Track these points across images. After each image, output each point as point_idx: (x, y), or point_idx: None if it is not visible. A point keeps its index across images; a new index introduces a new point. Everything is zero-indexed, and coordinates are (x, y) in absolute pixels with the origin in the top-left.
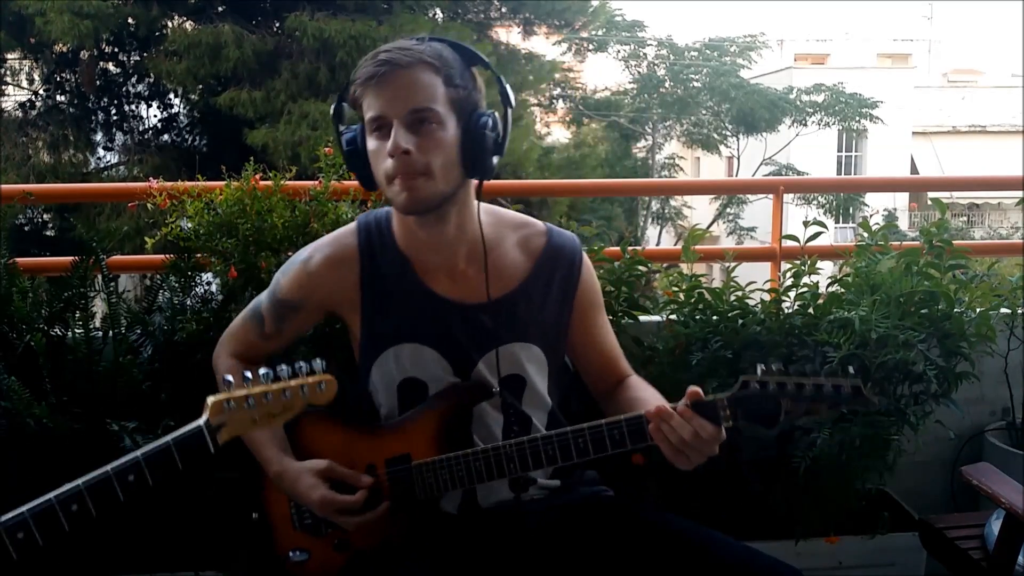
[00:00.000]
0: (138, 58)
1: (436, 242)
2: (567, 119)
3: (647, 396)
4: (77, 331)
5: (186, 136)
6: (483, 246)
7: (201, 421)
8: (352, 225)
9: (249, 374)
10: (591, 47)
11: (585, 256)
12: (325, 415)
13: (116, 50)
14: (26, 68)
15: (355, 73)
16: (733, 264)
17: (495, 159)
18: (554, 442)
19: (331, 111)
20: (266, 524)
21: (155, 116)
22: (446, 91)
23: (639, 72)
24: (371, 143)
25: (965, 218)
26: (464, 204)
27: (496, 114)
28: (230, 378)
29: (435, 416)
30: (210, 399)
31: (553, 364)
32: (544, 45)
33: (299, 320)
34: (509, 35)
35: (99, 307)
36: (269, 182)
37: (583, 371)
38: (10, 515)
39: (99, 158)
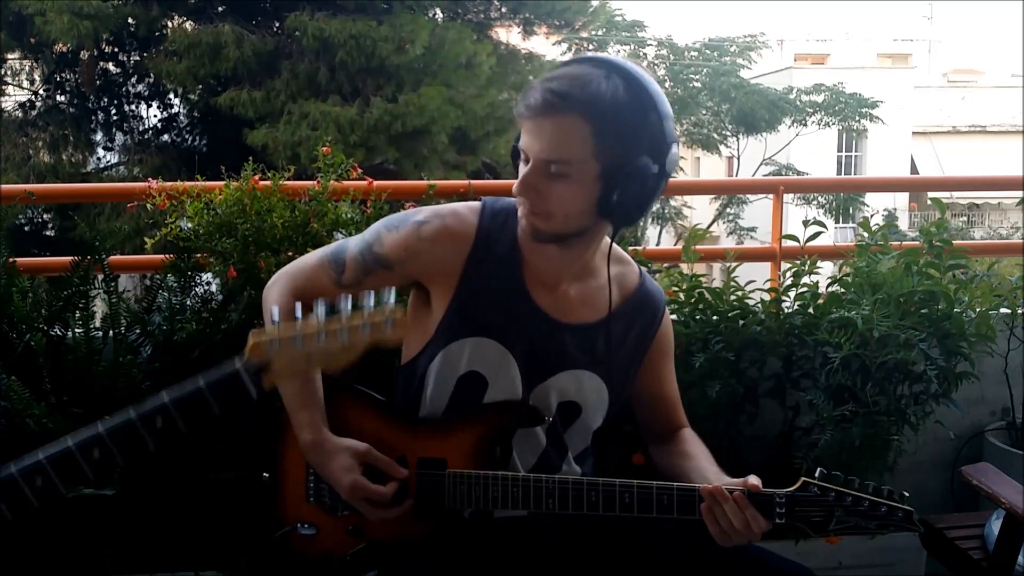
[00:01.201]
0: (138, 58)
1: (556, 255)
2: None
3: (700, 459)
4: (77, 331)
5: (186, 136)
6: (609, 280)
7: (238, 364)
8: (476, 203)
9: (299, 310)
10: (591, 47)
11: (667, 309)
12: (365, 396)
13: (116, 50)
14: (26, 68)
15: (524, 94)
16: (734, 264)
17: (637, 209)
18: (600, 490)
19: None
20: (276, 488)
21: (155, 116)
22: (593, 141)
23: None
24: (520, 164)
25: (965, 218)
26: (591, 239)
27: (649, 166)
28: (276, 314)
29: (480, 428)
30: (252, 336)
31: (613, 405)
32: (544, 45)
33: (384, 280)
34: (509, 35)
35: (99, 307)
36: (268, 182)
37: (641, 415)
38: (26, 460)
39: (99, 158)
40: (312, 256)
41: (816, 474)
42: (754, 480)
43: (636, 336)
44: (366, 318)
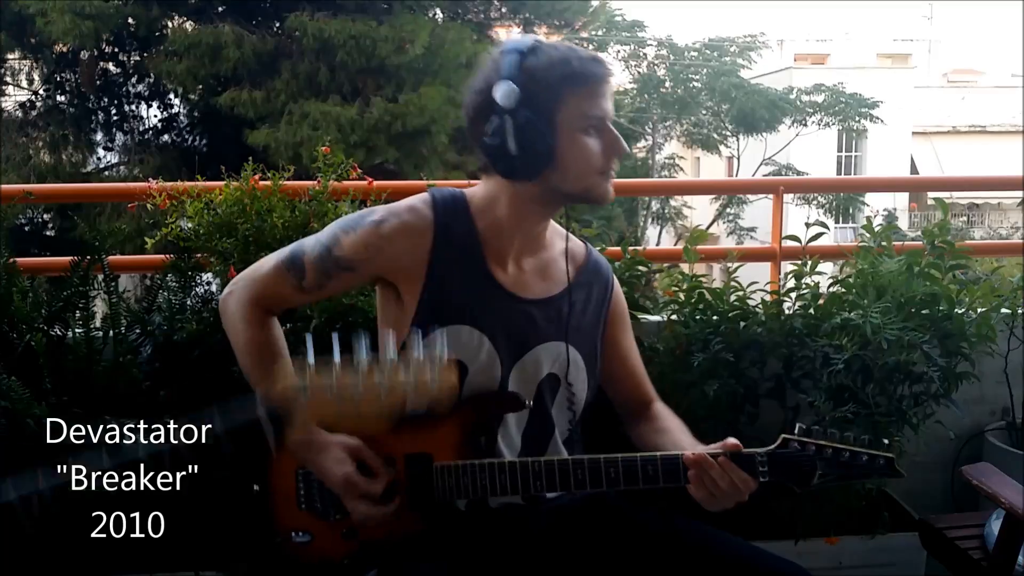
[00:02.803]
0: (138, 58)
1: (527, 234)
2: None
3: (677, 433)
4: (77, 331)
5: (186, 136)
6: (567, 244)
7: (260, 411)
8: (426, 196)
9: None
10: (591, 47)
11: (615, 277)
12: None
13: (116, 50)
14: (26, 68)
15: (566, 67)
16: (736, 265)
17: None
18: (585, 467)
19: (504, 93)
20: (267, 499)
21: (155, 116)
22: None
23: (639, 72)
24: (585, 138)
25: (965, 218)
26: None
27: None
28: (311, 344)
29: (462, 419)
30: (278, 376)
31: (591, 372)
32: None
33: (348, 281)
34: (509, 35)
35: (99, 307)
36: (268, 182)
37: (609, 390)
38: None
39: (99, 158)
40: (267, 262)
41: (796, 430)
42: (733, 441)
43: (596, 303)
44: (412, 375)
